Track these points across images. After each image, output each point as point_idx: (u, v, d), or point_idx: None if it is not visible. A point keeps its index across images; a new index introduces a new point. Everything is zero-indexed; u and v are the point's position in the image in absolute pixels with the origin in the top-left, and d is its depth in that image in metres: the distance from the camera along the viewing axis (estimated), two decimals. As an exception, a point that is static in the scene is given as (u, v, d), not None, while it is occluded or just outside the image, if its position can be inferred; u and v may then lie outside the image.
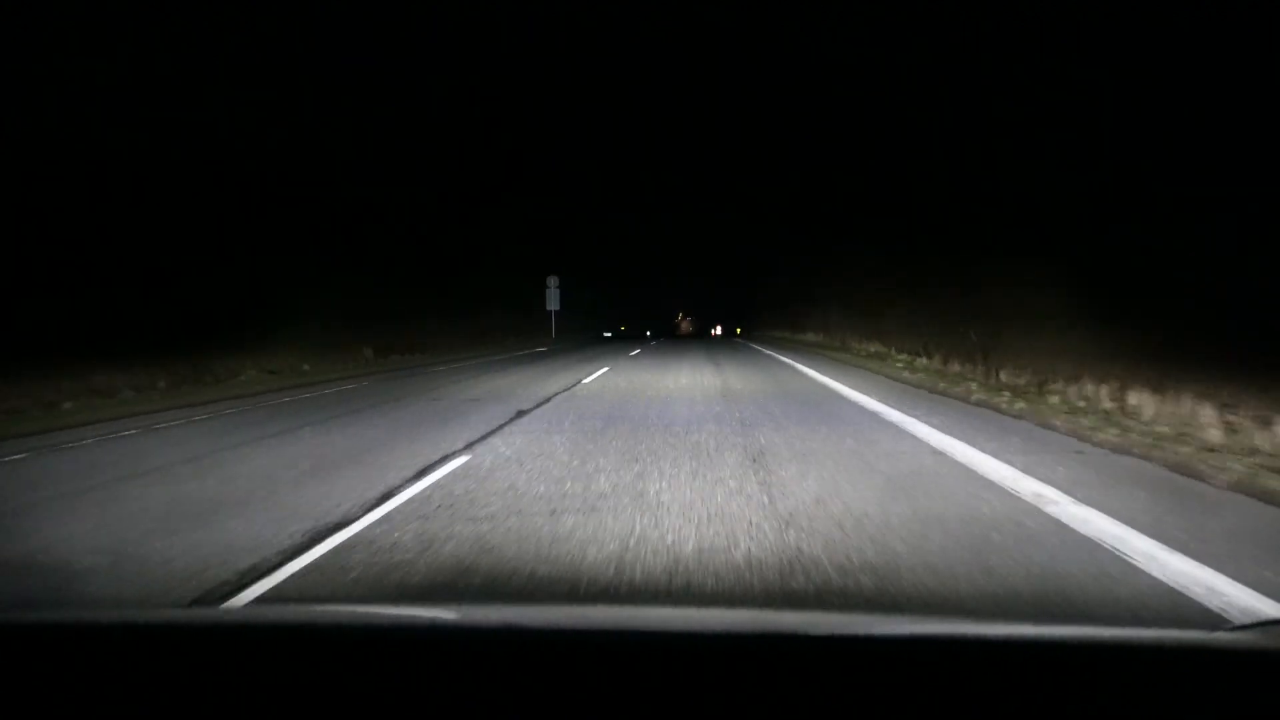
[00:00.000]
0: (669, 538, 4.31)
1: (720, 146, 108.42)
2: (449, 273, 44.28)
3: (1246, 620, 3.04)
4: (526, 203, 60.37)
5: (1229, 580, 3.55)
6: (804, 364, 19.12)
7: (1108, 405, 9.30)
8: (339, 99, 35.52)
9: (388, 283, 36.34)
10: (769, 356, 23.54)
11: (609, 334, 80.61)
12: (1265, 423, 7.02)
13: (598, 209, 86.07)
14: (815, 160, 49.60)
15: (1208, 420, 7.55)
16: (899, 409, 9.88)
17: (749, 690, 1.21)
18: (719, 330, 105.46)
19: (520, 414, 9.81)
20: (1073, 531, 4.38)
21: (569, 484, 5.73)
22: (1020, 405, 9.82)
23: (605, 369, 18.07)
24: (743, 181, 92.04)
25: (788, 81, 62.24)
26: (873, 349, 23.34)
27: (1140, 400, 9.02)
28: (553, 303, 51.72)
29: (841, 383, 13.89)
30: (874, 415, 9.45)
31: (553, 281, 51.52)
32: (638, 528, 4.52)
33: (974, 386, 12.17)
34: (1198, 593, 3.43)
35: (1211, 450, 6.54)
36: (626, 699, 1.20)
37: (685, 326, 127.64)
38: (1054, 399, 10.23)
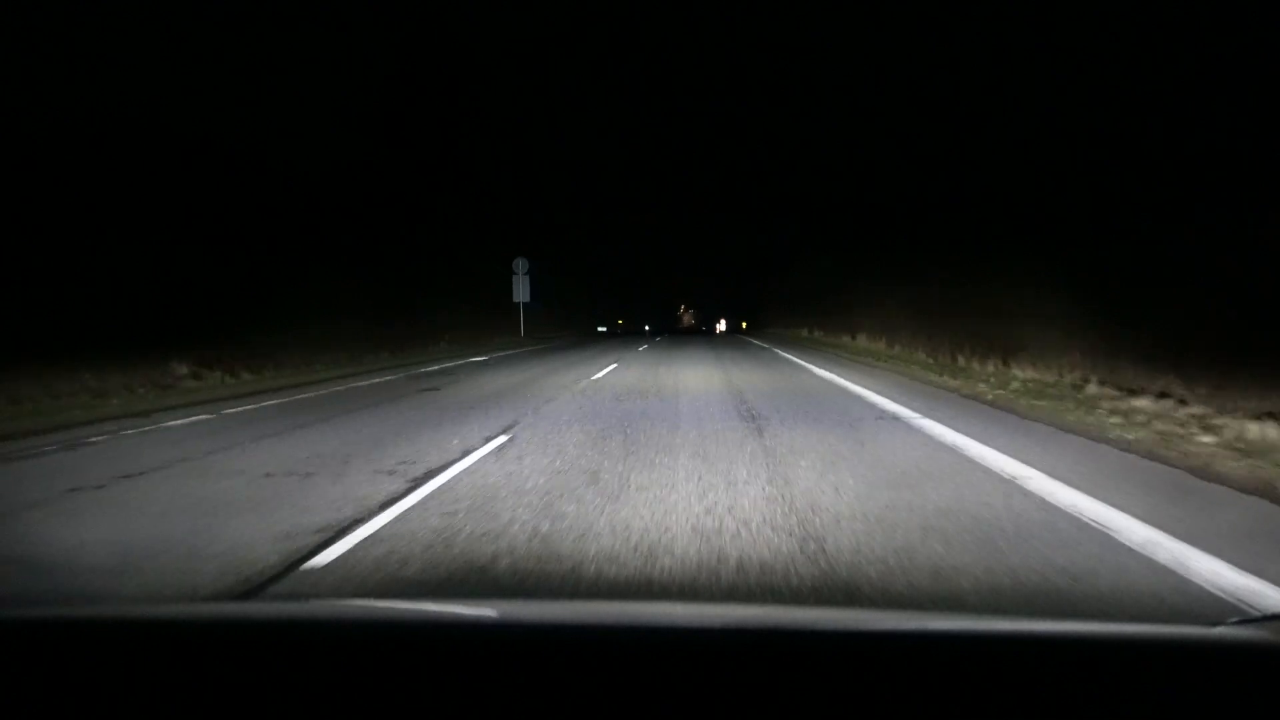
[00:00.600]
0: None
1: (730, 138, 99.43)
2: (401, 262, 34.17)
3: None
4: (503, 184, 50.23)
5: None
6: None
7: None
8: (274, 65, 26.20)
9: (312, 275, 26.57)
10: (891, 415, 12.72)
11: (604, 329, 72.74)
12: None
13: (597, 201, 77.84)
14: (836, 146, 39.27)
15: None
16: None
17: (758, 688, 1.16)
18: (723, 325, 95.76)
19: None
20: None
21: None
22: None
23: (500, 439, 7.74)
24: (754, 169, 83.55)
25: (801, 69, 52.78)
26: (1026, 375, 12.95)
27: None
28: (521, 293, 40.18)
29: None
30: None
31: (520, 266, 39.79)
32: None
33: None
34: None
35: None
36: (632, 697, 1.16)
37: (687, 320, 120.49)
38: None
